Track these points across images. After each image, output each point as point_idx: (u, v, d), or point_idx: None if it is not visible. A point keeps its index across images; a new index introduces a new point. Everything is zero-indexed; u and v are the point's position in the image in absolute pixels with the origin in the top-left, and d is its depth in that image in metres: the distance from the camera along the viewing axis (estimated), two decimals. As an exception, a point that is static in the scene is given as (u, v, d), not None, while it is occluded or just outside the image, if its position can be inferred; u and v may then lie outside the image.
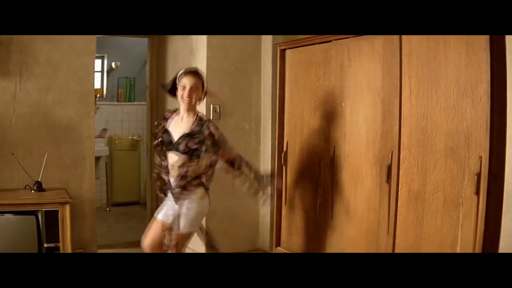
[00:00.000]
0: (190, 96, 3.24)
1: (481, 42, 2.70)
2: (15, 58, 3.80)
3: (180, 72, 3.32)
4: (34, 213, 3.38)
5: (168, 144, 3.28)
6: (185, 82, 3.24)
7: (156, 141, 3.35)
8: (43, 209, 3.38)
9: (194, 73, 3.31)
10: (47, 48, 3.90)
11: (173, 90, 3.35)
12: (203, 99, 3.43)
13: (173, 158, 3.25)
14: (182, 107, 3.29)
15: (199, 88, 3.30)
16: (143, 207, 6.48)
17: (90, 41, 4.04)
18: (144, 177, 6.86)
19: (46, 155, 3.74)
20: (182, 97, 3.24)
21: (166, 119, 3.42)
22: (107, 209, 6.74)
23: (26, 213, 3.36)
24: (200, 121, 3.29)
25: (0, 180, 3.72)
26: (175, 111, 3.44)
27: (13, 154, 3.71)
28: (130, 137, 7.08)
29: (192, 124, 3.27)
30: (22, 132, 3.86)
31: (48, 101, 3.93)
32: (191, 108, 3.30)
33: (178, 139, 3.24)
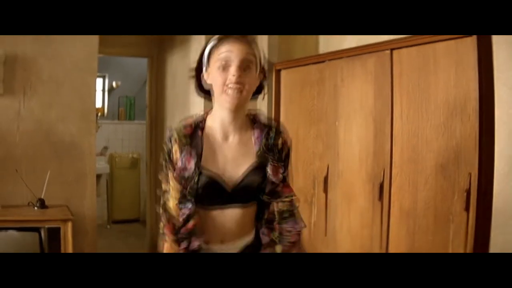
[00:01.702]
0: (242, 81, 1.69)
1: (470, 60, 2.77)
2: (19, 76, 3.90)
3: (215, 39, 1.76)
4: (37, 229, 3.45)
5: (216, 196, 1.77)
6: (228, 51, 1.70)
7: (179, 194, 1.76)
8: (46, 226, 3.45)
9: (242, 37, 1.74)
10: (50, 66, 4.01)
11: (199, 80, 1.84)
12: (264, 94, 1.90)
13: (231, 214, 1.81)
14: (224, 104, 1.75)
15: (254, 66, 1.75)
16: (143, 224, 6.56)
17: (92, 59, 4.14)
18: (143, 195, 6.93)
19: (48, 172, 3.82)
20: (223, 86, 1.71)
21: (194, 148, 1.76)
22: (108, 226, 6.81)
23: (29, 229, 3.43)
24: (262, 125, 1.86)
25: (4, 196, 3.79)
26: (200, 123, 1.82)
27: (16, 171, 3.79)
28: (130, 155, 7.18)
29: (254, 139, 1.83)
30: (26, 149, 3.94)
31: (51, 118, 4.02)
32: (241, 105, 1.75)
33: (244, 180, 1.78)
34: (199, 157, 1.72)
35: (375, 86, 3.41)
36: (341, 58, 3.69)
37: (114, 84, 7.22)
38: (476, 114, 2.77)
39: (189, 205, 1.74)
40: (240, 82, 1.68)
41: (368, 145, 3.46)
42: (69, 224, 3.49)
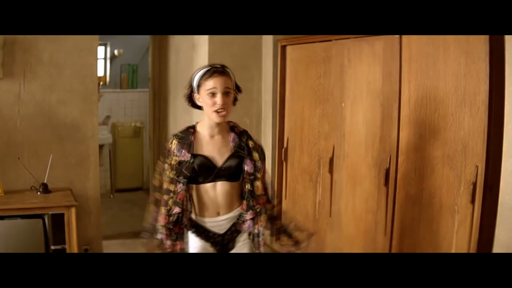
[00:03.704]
0: (225, 105, 2.37)
1: (481, 52, 2.72)
2: (18, 59, 3.82)
3: (200, 72, 2.44)
4: (40, 216, 3.46)
5: (209, 172, 2.44)
6: (214, 86, 2.36)
7: (181, 175, 2.42)
8: (50, 213, 3.45)
9: (223, 72, 2.42)
10: (50, 48, 3.92)
11: (190, 97, 2.53)
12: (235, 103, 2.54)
13: (221, 186, 2.48)
14: (214, 119, 2.42)
15: (232, 91, 2.44)
16: (146, 192, 6.59)
17: (92, 40, 4.05)
18: (147, 163, 6.93)
19: (51, 156, 3.79)
20: (212, 108, 2.37)
21: (188, 144, 2.45)
22: (111, 196, 6.82)
23: (33, 216, 3.43)
24: (238, 131, 2.56)
25: (6, 181, 3.76)
26: (190, 129, 2.51)
27: (19, 158, 3.76)
28: (133, 124, 7.11)
29: (231, 140, 2.52)
30: (27, 133, 3.90)
31: (52, 101, 3.96)
32: (225, 119, 2.45)
33: (226, 162, 2.47)
34: (191, 148, 2.44)
35: (383, 69, 3.35)
36: (348, 38, 3.61)
37: (116, 52, 7.10)
38: (486, 107, 2.73)
39: (183, 182, 2.42)
40: (223, 106, 2.38)
41: (375, 129, 3.43)
42: (73, 210, 3.49)
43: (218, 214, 2.49)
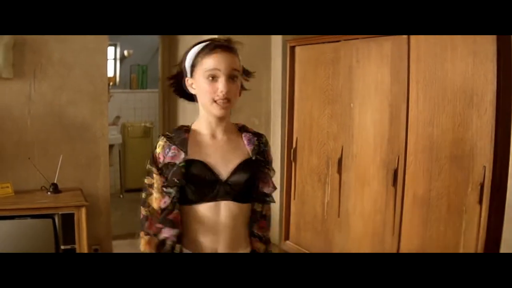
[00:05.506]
0: (230, 95, 1.71)
1: (489, 53, 2.72)
2: (28, 59, 3.84)
3: (196, 48, 1.78)
4: (51, 216, 3.47)
5: (209, 186, 1.71)
6: (215, 67, 1.70)
7: (170, 190, 1.71)
8: (60, 212, 3.47)
9: (228, 48, 1.76)
10: (60, 48, 3.93)
11: (180, 84, 1.84)
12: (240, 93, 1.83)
13: (225, 208, 1.73)
14: (212, 112, 1.74)
15: (239, 76, 1.78)
16: (156, 192, 6.61)
17: (102, 40, 4.07)
18: (156, 163, 6.94)
19: (61, 156, 3.82)
20: (212, 96, 1.70)
21: (180, 142, 1.74)
22: (121, 195, 6.85)
23: (43, 216, 3.45)
24: (251, 133, 1.87)
25: (17, 181, 3.79)
26: (184, 127, 1.82)
27: (29, 158, 3.79)
28: (143, 124, 7.14)
29: (246, 141, 1.83)
30: (37, 133, 3.92)
31: (62, 101, 3.98)
32: (228, 112, 1.77)
33: (234, 173, 1.74)
34: (186, 151, 1.72)
35: (391, 70, 3.35)
36: (357, 38, 3.61)
37: (125, 53, 7.13)
38: (493, 107, 2.72)
39: (173, 193, 1.71)
40: (227, 95, 1.70)
41: (383, 130, 3.43)
42: (83, 210, 3.51)
43: (215, 250, 1.77)
